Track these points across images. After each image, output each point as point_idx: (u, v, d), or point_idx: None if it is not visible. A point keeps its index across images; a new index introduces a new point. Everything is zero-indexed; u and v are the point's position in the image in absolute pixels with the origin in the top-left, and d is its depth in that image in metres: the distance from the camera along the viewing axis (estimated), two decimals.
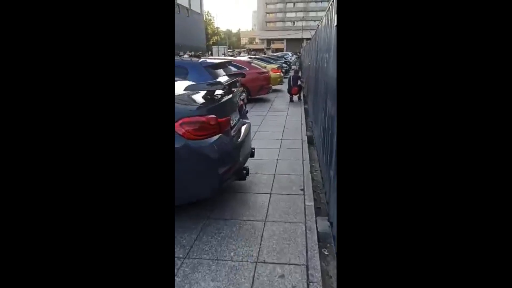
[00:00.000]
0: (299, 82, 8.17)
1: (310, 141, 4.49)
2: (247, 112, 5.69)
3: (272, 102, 8.26)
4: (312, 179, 3.11)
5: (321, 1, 62.53)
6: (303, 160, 3.61)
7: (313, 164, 3.61)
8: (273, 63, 12.96)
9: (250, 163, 3.31)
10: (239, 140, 2.58)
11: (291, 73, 8.38)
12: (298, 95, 8.29)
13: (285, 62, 18.54)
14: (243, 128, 2.85)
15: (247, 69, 7.87)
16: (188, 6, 40.85)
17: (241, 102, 3.04)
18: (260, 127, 5.34)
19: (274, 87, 10.61)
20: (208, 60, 5.45)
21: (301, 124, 5.56)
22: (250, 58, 11.50)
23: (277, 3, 66.99)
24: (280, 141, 4.42)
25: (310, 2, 65.04)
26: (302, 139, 4.57)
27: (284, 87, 10.18)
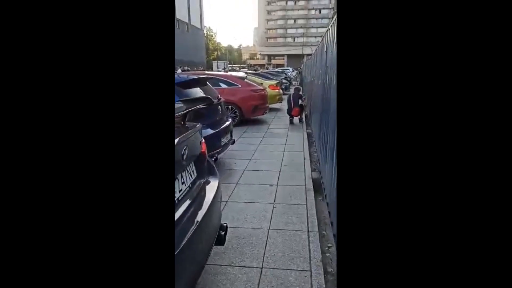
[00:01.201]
0: (300, 102, 6.97)
1: (318, 188, 3.21)
2: (233, 142, 4.46)
3: (269, 124, 7.02)
4: (326, 280, 1.80)
5: (322, 18, 63.09)
6: (308, 233, 2.31)
7: (326, 237, 2.32)
8: (271, 79, 11.86)
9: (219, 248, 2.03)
10: (190, 231, 1.25)
11: (291, 91, 7.20)
12: (299, 116, 7.06)
13: (285, 78, 17.51)
14: (203, 201, 1.54)
15: (239, 86, 6.68)
16: (187, 21, 40.54)
17: (203, 149, 1.76)
18: (250, 164, 4.07)
19: (272, 105, 9.43)
20: (181, 76, 4.28)
21: (304, 157, 4.29)
22: (246, 73, 10.37)
23: (277, 19, 67.64)
24: (274, 192, 3.11)
25: (311, 18, 65.58)
26: (305, 184, 3.28)
27: (284, 105, 9.02)
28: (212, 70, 25.70)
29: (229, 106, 6.53)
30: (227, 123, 3.90)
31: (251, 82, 7.04)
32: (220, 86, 6.62)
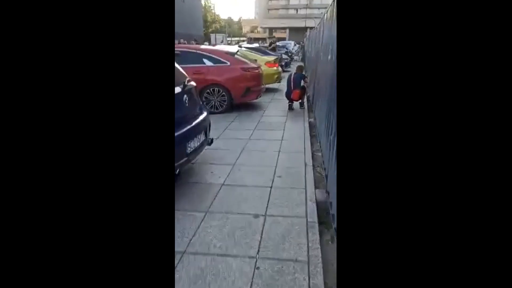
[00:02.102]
0: (302, 83, 5.81)
1: (324, 218, 2.20)
2: (210, 142, 3.00)
3: (263, 110, 5.90)
4: None
5: None
6: None
7: None
8: (270, 54, 10.55)
9: None
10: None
11: (292, 72, 5.99)
12: (300, 100, 5.93)
13: (286, 53, 16.06)
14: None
15: (228, 63, 5.50)
16: None
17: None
18: (232, 174, 3.02)
19: (269, 86, 8.25)
20: None
21: (305, 161, 3.25)
22: (240, 47, 9.07)
23: None
24: (259, 230, 2.09)
25: None
26: (306, 213, 2.26)
27: (283, 85, 7.87)
28: (209, 44, 24.10)
29: (215, 89, 5.40)
30: (200, 118, 2.82)
31: (242, 59, 5.83)
32: (204, 63, 5.45)
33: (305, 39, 14.19)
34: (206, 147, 3.15)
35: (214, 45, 9.46)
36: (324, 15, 4.02)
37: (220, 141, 4.00)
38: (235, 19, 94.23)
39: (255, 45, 13.68)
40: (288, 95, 5.86)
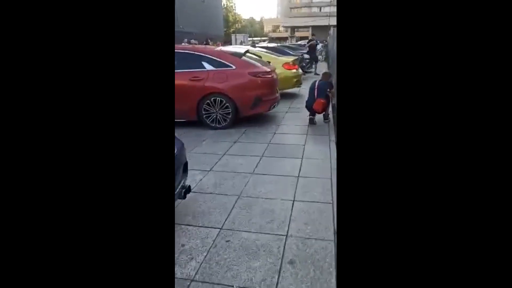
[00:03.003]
0: (327, 91, 4.59)
1: None
2: (186, 192, 1.85)
3: (277, 125, 4.72)
4: None
5: None
6: None
7: None
8: (290, 54, 9.34)
9: None
10: None
11: (316, 80, 4.72)
12: (324, 112, 4.71)
13: (308, 52, 14.72)
14: None
15: (233, 67, 4.37)
16: None
17: None
18: (213, 254, 1.89)
19: (287, 91, 7.06)
20: None
21: (334, 224, 2.06)
22: (252, 46, 7.95)
23: None
24: None
25: None
26: None
27: (305, 90, 6.69)
28: (230, 45, 23.19)
29: (217, 99, 4.29)
30: None
31: (251, 61, 4.67)
32: (204, 67, 4.35)
33: (329, 38, 12.79)
34: (179, 200, 2.05)
35: (255, 46, 8.22)
36: None
37: (212, 175, 2.88)
38: (257, 18, 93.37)
39: (272, 44, 12.47)
40: (309, 106, 4.65)
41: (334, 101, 5.08)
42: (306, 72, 11.98)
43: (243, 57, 4.62)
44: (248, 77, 4.34)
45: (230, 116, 4.37)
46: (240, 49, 4.99)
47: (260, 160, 3.28)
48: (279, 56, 7.21)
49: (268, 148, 3.66)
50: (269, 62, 5.15)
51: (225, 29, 51.19)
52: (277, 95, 4.88)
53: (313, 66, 11.51)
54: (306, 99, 4.75)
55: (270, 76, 4.57)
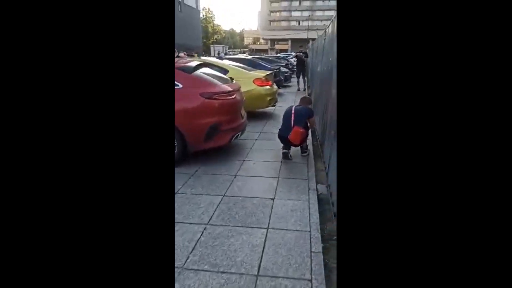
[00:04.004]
0: (307, 118, 3.56)
1: None
2: None
3: (242, 159, 3.61)
4: None
5: (329, 0, 58.40)
6: None
7: None
8: (267, 67, 8.36)
9: None
10: None
11: (292, 106, 3.67)
12: (302, 144, 3.65)
13: (286, 65, 13.85)
14: None
15: (180, 85, 3.24)
16: (180, 0, 36.35)
17: None
18: None
19: (261, 110, 6.03)
20: None
21: None
22: (221, 58, 6.90)
23: (282, 1, 63.05)
24: None
25: (317, 0, 60.91)
26: None
27: (280, 110, 5.72)
28: (208, 56, 22.04)
29: None
30: None
31: (206, 78, 3.55)
32: None
33: (308, 51, 11.97)
34: None
35: (221, 58, 7.04)
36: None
37: None
38: (238, 30, 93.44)
39: (243, 55, 11.51)
40: (283, 136, 3.59)
41: (315, 124, 4.07)
42: (285, 85, 11.04)
43: (195, 73, 3.50)
44: (200, 100, 3.22)
45: (175, 152, 3.21)
46: (191, 62, 3.87)
47: (201, 234, 2.12)
48: (250, 71, 6.17)
49: (220, 206, 2.52)
50: (232, 79, 4.06)
51: (204, 40, 50.34)
52: (243, 120, 3.79)
53: (299, 81, 10.52)
54: (279, 129, 3.69)
55: (231, 97, 3.48)
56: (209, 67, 4.09)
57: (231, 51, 48.02)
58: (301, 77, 10.44)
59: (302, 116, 3.55)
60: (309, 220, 2.28)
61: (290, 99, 8.17)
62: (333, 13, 2.89)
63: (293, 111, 3.59)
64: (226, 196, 2.69)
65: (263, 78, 5.71)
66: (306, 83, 10.30)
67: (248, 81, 5.46)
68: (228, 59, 7.36)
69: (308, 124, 3.61)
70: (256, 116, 5.83)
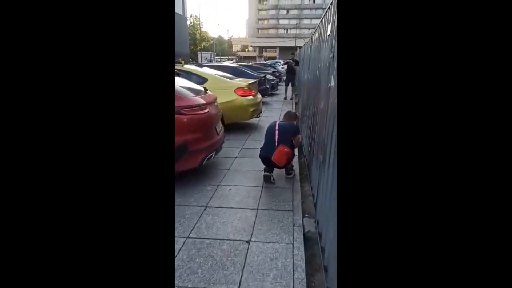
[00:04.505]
0: (294, 138, 3.07)
1: None
2: None
3: (217, 184, 3.07)
4: None
5: (316, 8, 59.15)
6: None
7: None
8: (252, 75, 7.90)
9: None
10: None
11: (276, 121, 3.19)
12: (287, 165, 3.14)
13: (273, 73, 13.43)
14: None
15: None
16: None
17: None
18: None
19: (244, 121, 5.53)
20: None
21: None
22: (204, 65, 6.37)
23: (269, 9, 63.45)
24: None
25: (304, 9, 61.59)
26: None
27: (264, 122, 5.26)
28: (196, 64, 21.43)
29: None
30: None
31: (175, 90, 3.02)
32: None
33: (297, 56, 11.58)
34: None
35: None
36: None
37: None
38: (227, 38, 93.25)
39: (229, 63, 11.06)
40: (265, 157, 3.07)
41: (302, 137, 3.58)
42: (272, 93, 10.58)
43: None
44: None
45: None
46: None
47: None
48: (232, 79, 5.67)
49: (180, 254, 1.97)
50: (206, 90, 3.53)
51: (192, 47, 49.81)
52: (218, 137, 3.26)
53: (287, 89, 10.03)
54: (261, 149, 3.18)
55: (203, 112, 2.95)
56: (181, 76, 3.56)
57: (218, 58, 47.61)
58: (289, 85, 9.99)
59: (287, 132, 3.05)
60: (293, 275, 1.76)
61: (276, 108, 7.70)
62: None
63: (276, 128, 3.09)
64: (190, 238, 2.14)
65: (246, 88, 5.21)
66: (293, 92, 9.86)
67: (229, 91, 4.96)
68: (210, 66, 6.83)
69: (295, 142, 3.11)
70: (238, 128, 5.31)
